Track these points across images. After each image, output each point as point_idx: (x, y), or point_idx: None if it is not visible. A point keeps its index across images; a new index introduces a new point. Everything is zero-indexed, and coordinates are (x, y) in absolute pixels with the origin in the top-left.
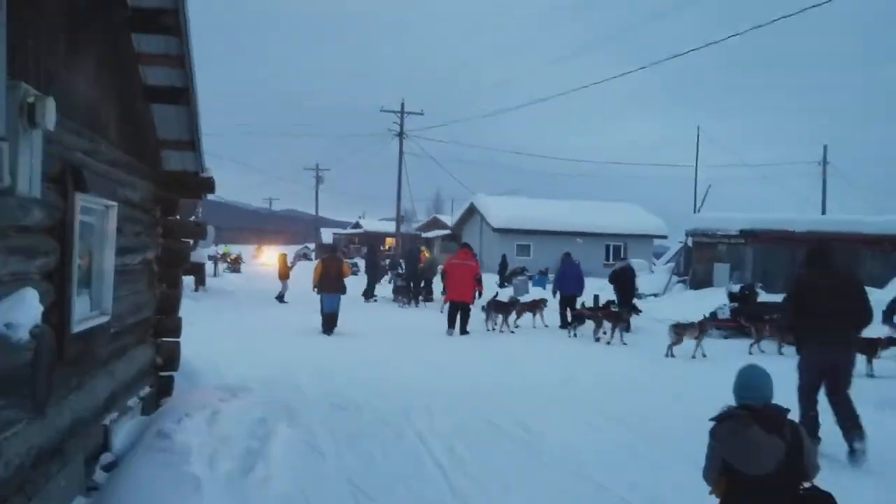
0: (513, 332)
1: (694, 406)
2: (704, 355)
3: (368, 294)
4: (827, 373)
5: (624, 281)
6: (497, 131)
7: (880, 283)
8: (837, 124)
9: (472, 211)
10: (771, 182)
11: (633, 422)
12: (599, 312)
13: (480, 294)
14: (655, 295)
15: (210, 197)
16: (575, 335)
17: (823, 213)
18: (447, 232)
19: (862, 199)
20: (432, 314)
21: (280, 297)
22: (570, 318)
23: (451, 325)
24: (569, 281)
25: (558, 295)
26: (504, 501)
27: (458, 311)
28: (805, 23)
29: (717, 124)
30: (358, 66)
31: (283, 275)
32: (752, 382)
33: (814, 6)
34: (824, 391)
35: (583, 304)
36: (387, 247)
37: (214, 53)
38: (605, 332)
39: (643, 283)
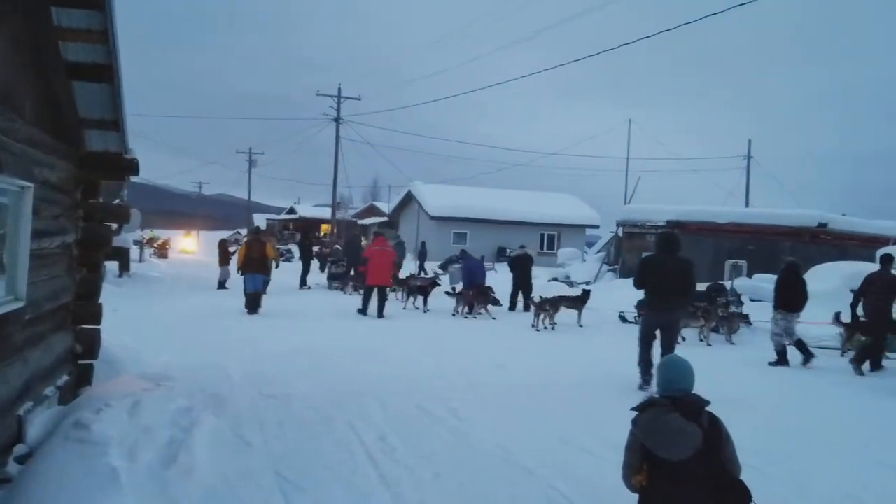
0: (426, 311)
1: (623, 392)
2: (551, 326)
3: (303, 281)
4: (660, 328)
5: (521, 267)
6: (436, 119)
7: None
8: (762, 121)
9: (409, 198)
10: (699, 175)
11: (563, 406)
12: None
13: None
14: (587, 283)
15: (136, 180)
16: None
17: (747, 205)
18: (384, 219)
19: (783, 193)
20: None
21: (221, 284)
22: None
23: (366, 309)
24: (474, 273)
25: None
26: (434, 488)
27: (377, 295)
28: (734, 20)
29: (650, 118)
30: (295, 51)
31: (224, 261)
32: (673, 373)
33: (740, 4)
34: (659, 341)
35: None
36: (322, 233)
37: (146, 34)
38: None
39: (575, 271)
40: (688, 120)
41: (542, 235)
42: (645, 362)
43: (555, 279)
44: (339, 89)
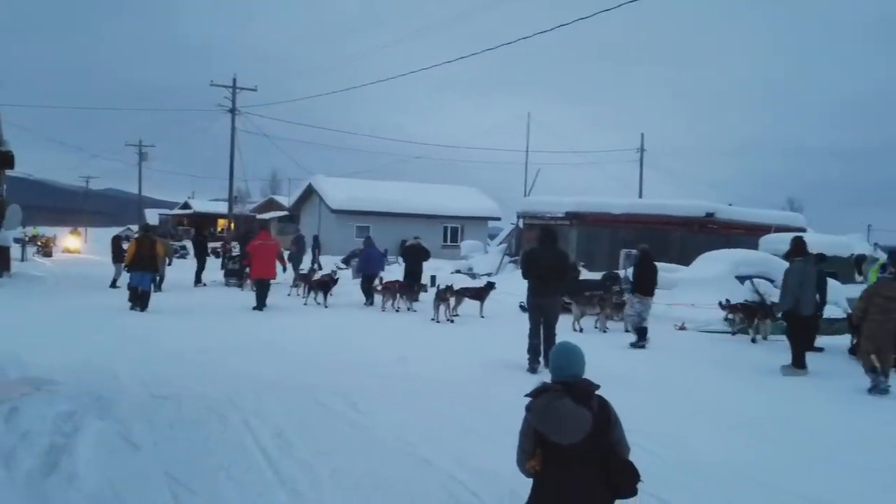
0: (326, 307)
1: (522, 380)
2: (452, 318)
3: (198, 279)
4: (543, 313)
5: (413, 257)
6: (338, 112)
7: (687, 261)
8: (654, 115)
9: (309, 192)
10: (596, 167)
11: (464, 396)
12: (397, 284)
13: (284, 269)
14: (489, 274)
15: (14, 174)
16: (371, 303)
17: (640, 196)
18: (284, 213)
19: (674, 184)
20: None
21: (114, 283)
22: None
23: (261, 304)
24: (372, 262)
25: (360, 274)
26: (332, 484)
27: (258, 288)
28: (625, 18)
29: (549, 112)
30: (186, 40)
31: (119, 258)
32: (565, 359)
33: (630, 1)
34: (542, 327)
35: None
36: (219, 228)
37: (25, 18)
38: (403, 303)
39: (478, 263)
40: (585, 114)
41: (446, 228)
42: (534, 348)
43: (458, 271)
44: (234, 80)
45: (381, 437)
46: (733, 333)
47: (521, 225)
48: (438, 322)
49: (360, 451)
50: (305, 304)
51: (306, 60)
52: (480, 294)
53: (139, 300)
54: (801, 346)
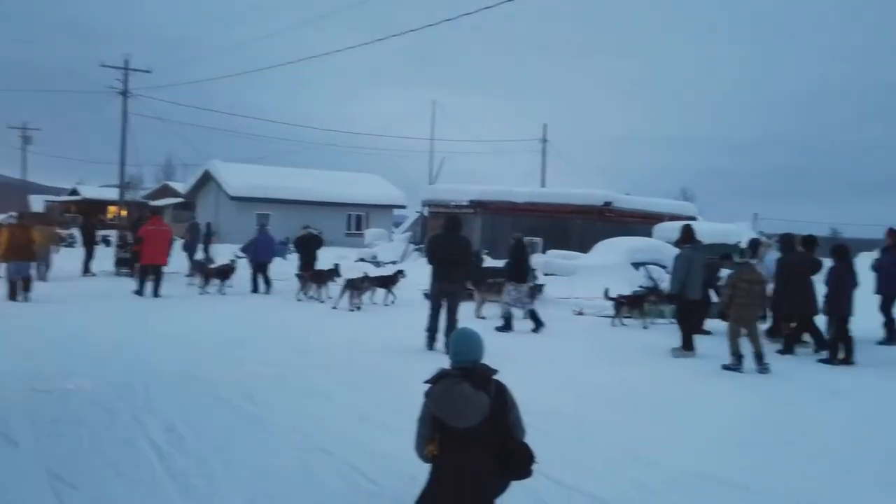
0: (224, 294)
1: (422, 367)
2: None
3: (86, 268)
4: (445, 296)
5: (307, 246)
6: (237, 97)
7: (587, 248)
8: (559, 105)
9: (206, 178)
10: (501, 156)
11: (362, 385)
12: (307, 274)
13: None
14: (394, 262)
15: None
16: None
17: (543, 185)
18: (179, 200)
19: (575, 174)
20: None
21: None
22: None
23: (143, 290)
24: (263, 249)
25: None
26: (226, 477)
27: (153, 275)
28: (528, 6)
29: (455, 100)
30: (76, 19)
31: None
32: (464, 345)
33: None
34: (445, 312)
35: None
36: (109, 216)
37: None
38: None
39: (382, 251)
40: (491, 103)
41: (350, 216)
42: (432, 329)
43: (362, 259)
44: (127, 61)
45: (276, 429)
46: (622, 323)
47: (425, 213)
48: (341, 310)
49: (256, 442)
50: (201, 293)
51: (205, 43)
52: (390, 282)
53: (14, 291)
54: (690, 329)
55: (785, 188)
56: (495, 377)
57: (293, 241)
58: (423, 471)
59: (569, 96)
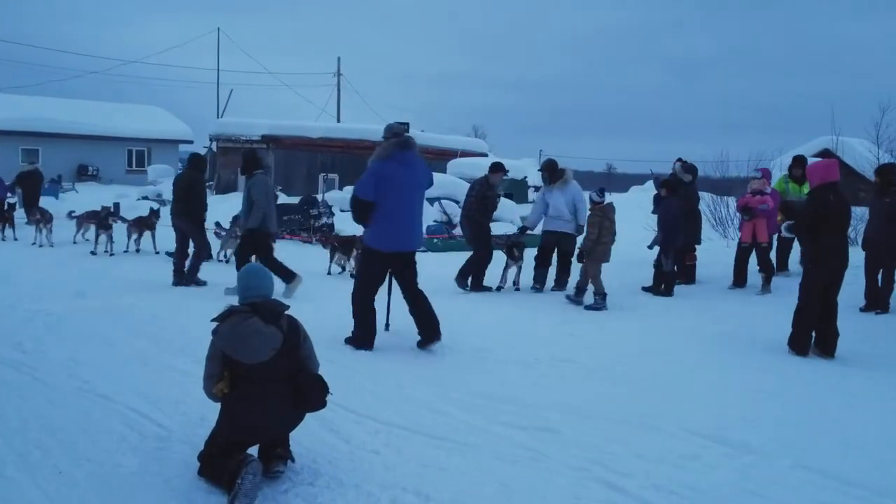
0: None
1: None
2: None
3: None
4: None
5: (30, 183)
6: None
7: None
8: (351, 39)
9: None
10: (293, 90)
11: (145, 328)
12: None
13: None
14: None
15: None
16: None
17: (339, 121)
18: None
19: (370, 110)
20: None
21: None
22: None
23: None
24: None
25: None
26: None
27: None
28: None
29: (241, 29)
30: None
31: None
32: (252, 280)
33: None
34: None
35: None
36: None
37: None
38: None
39: (167, 188)
40: (282, 33)
41: (131, 151)
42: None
43: (145, 198)
44: None
45: (51, 379)
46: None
47: (214, 148)
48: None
49: (28, 394)
50: None
51: None
52: (144, 224)
53: None
54: (277, 267)
55: (566, 126)
56: (287, 312)
57: (17, 177)
58: (213, 411)
59: (362, 30)
